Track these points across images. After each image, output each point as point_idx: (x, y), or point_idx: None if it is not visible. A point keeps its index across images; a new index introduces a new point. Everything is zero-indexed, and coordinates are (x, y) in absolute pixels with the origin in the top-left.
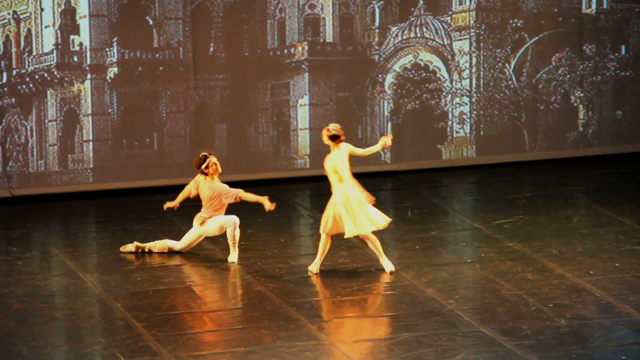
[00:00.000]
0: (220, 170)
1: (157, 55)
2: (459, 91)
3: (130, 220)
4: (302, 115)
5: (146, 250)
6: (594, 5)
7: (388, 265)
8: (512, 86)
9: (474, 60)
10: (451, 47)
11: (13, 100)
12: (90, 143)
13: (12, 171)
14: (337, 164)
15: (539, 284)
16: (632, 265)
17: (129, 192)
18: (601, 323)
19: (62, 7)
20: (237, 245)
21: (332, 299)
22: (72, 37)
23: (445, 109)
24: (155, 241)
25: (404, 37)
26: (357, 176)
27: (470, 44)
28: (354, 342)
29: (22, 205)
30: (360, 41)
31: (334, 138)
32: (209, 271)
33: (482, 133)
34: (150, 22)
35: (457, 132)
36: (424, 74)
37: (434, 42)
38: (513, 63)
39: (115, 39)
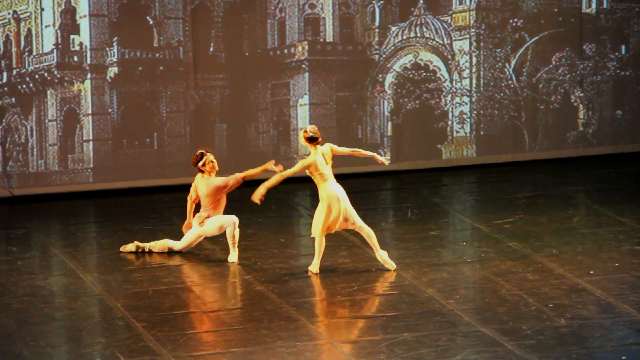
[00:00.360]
0: (217, 168)
1: (157, 55)
2: (459, 91)
3: (130, 220)
4: (302, 115)
5: (146, 250)
6: (594, 5)
7: (382, 255)
8: (512, 86)
9: (474, 60)
10: (451, 46)
11: (13, 100)
12: (91, 143)
13: (12, 171)
14: (318, 164)
15: (539, 284)
16: (632, 265)
17: (129, 192)
18: (601, 323)
19: (62, 6)
20: (237, 245)
21: (332, 299)
22: (72, 36)
23: (446, 108)
24: (156, 241)
25: (404, 37)
26: (358, 176)
27: (470, 44)
28: (354, 342)
29: (22, 205)
30: (361, 41)
31: (312, 140)
32: (209, 271)
33: (482, 133)
34: (151, 22)
35: (457, 132)
36: (424, 74)
37: (434, 42)
38: (513, 63)
39: (115, 38)
